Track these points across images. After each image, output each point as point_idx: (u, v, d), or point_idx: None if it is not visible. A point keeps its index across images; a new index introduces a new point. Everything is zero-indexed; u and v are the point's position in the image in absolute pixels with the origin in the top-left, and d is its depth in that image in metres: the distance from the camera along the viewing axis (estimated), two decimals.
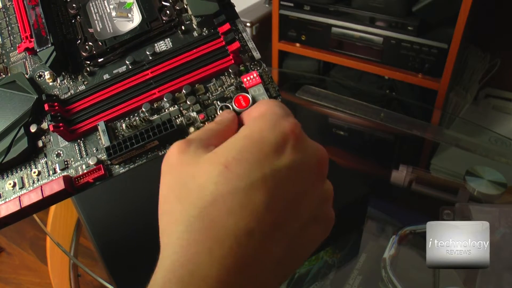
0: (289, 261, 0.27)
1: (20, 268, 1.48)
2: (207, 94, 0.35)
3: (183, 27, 0.38)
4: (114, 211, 0.62)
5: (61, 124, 0.34)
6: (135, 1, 0.39)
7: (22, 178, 0.35)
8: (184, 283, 0.24)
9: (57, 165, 0.35)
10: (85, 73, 0.38)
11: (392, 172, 0.84)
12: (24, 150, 0.35)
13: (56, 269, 0.97)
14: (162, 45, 0.38)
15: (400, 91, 1.31)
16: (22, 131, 0.36)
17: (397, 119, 1.14)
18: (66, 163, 0.35)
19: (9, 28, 0.42)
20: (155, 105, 0.35)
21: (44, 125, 0.36)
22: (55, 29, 0.39)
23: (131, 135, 0.33)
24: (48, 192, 0.33)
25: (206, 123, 0.34)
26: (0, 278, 1.45)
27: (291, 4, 1.34)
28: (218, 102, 0.35)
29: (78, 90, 0.37)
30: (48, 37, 0.37)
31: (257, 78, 0.34)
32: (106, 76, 0.37)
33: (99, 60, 0.38)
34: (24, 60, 0.40)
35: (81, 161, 0.35)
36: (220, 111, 0.34)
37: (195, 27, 0.38)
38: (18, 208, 0.33)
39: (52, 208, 0.89)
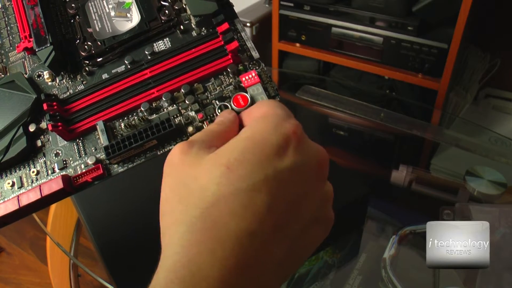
0: (290, 262, 0.27)
1: (20, 268, 1.48)
2: (206, 94, 0.35)
3: (182, 27, 0.38)
4: (114, 211, 0.62)
5: (59, 123, 0.34)
6: (134, 1, 0.39)
7: (20, 177, 0.35)
8: (185, 283, 0.24)
9: (56, 164, 0.35)
10: (84, 73, 0.38)
11: (392, 172, 0.84)
12: (22, 149, 0.35)
13: (56, 269, 0.97)
14: (161, 45, 0.38)
15: (400, 91, 1.31)
16: (21, 130, 0.36)
17: (397, 119, 1.14)
18: (64, 162, 0.35)
19: (8, 28, 0.42)
20: (153, 105, 0.35)
21: (43, 125, 0.36)
22: (54, 29, 0.39)
23: (130, 134, 0.33)
24: (46, 191, 0.33)
25: (204, 122, 0.34)
26: (0, 278, 1.45)
27: (291, 4, 1.34)
28: (217, 101, 0.35)
29: (77, 90, 0.37)
30: (47, 36, 0.37)
31: (255, 77, 0.34)
32: (105, 76, 0.37)
33: (98, 59, 0.38)
34: (23, 60, 0.40)
35: (79, 161, 0.35)
36: (219, 111, 0.34)
37: (194, 26, 0.38)
38: (16, 207, 0.33)
39: (52, 208, 0.89)
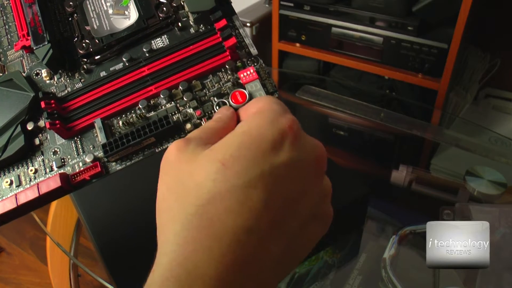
0: (288, 259, 0.27)
1: (20, 268, 1.48)
2: (204, 91, 0.35)
3: (179, 24, 0.38)
4: (114, 210, 0.62)
5: (57, 121, 0.34)
6: None
7: (18, 176, 0.35)
8: (181, 282, 0.23)
9: (54, 162, 0.35)
10: (82, 71, 0.38)
11: (392, 172, 0.84)
12: (20, 148, 0.35)
13: (56, 269, 0.97)
14: (159, 42, 0.38)
15: (400, 91, 1.31)
16: (19, 129, 0.36)
17: (397, 119, 1.14)
18: (62, 160, 0.35)
19: (6, 26, 0.42)
20: (151, 102, 0.35)
21: (41, 123, 0.36)
22: (52, 27, 0.39)
23: (128, 132, 0.33)
24: (44, 189, 0.33)
25: (203, 119, 0.34)
26: (0, 278, 1.45)
27: (291, 4, 1.34)
28: (215, 98, 0.35)
29: (75, 88, 0.37)
30: (45, 35, 0.37)
31: (254, 74, 0.34)
32: (103, 74, 0.37)
33: (96, 57, 0.38)
34: (21, 58, 0.40)
35: (77, 159, 0.35)
36: (217, 107, 0.34)
37: (191, 23, 0.38)
38: (14, 205, 0.33)
39: (52, 208, 0.89)
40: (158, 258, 0.25)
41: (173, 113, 0.35)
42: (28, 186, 0.35)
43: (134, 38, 0.38)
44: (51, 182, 0.33)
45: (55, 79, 0.38)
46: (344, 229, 0.67)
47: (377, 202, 0.76)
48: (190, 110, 0.35)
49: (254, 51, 0.36)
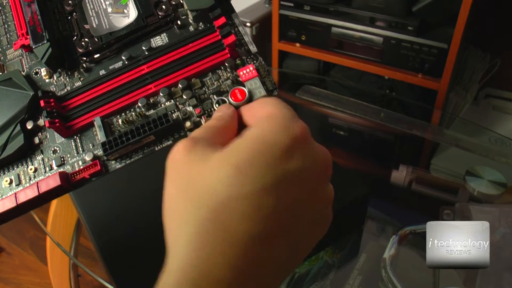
0: (291, 263, 0.27)
1: (20, 268, 1.48)
2: (203, 89, 0.35)
3: (179, 22, 0.38)
4: (114, 210, 0.62)
5: (57, 120, 0.34)
6: None
7: (18, 175, 0.35)
8: (196, 285, 0.24)
9: (53, 161, 0.35)
10: (81, 69, 0.38)
11: (392, 172, 0.84)
12: (20, 147, 0.35)
13: (56, 269, 0.97)
14: (158, 40, 0.38)
15: (400, 91, 1.31)
16: (18, 128, 0.36)
17: (397, 119, 1.14)
18: (62, 159, 0.35)
19: (6, 25, 0.42)
20: (151, 100, 0.35)
21: (41, 122, 0.36)
22: (51, 26, 0.39)
23: (127, 130, 0.33)
24: (44, 188, 0.33)
25: (202, 117, 0.34)
26: (0, 278, 1.45)
27: (291, 4, 1.34)
28: (215, 96, 0.35)
29: (74, 86, 0.37)
30: (44, 33, 0.37)
31: (253, 71, 0.34)
32: (102, 72, 0.37)
33: (95, 56, 0.38)
34: (21, 57, 0.40)
35: (77, 157, 0.35)
36: (217, 105, 0.34)
37: (191, 21, 0.38)
38: (14, 204, 0.33)
39: (52, 208, 0.89)
40: (170, 260, 0.25)
41: (172, 111, 0.35)
42: (27, 185, 0.34)
43: (133, 37, 0.38)
44: (51, 181, 0.33)
45: (55, 78, 0.38)
46: (344, 229, 0.67)
47: (377, 202, 0.76)
48: (190, 108, 0.35)
49: (253, 48, 0.36)
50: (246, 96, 0.33)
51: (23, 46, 0.39)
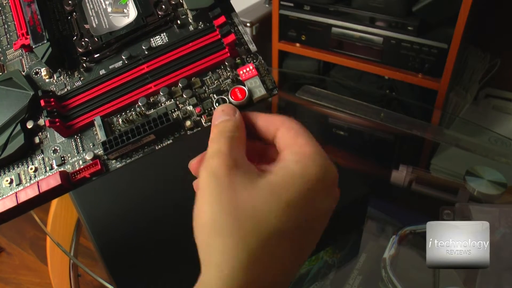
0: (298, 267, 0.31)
1: (20, 268, 1.48)
2: (204, 88, 0.35)
3: (178, 22, 0.38)
4: (114, 211, 0.62)
5: (57, 119, 0.34)
6: None
7: (19, 174, 0.35)
8: None
9: (54, 161, 0.35)
10: (81, 69, 0.38)
11: (392, 172, 0.84)
12: (20, 146, 0.35)
13: (56, 269, 0.97)
14: (158, 40, 0.38)
15: (400, 91, 1.31)
16: (18, 127, 0.36)
17: (397, 119, 1.14)
18: (63, 159, 0.35)
19: (5, 26, 0.42)
20: (151, 100, 0.35)
21: (41, 122, 0.36)
22: (51, 26, 0.39)
23: (128, 129, 0.33)
24: (44, 187, 0.33)
25: (202, 116, 0.34)
26: (0, 278, 1.45)
27: (291, 4, 1.34)
28: (215, 95, 0.35)
29: (75, 86, 0.37)
30: (44, 33, 0.37)
31: (253, 70, 0.34)
32: (102, 72, 0.37)
33: (95, 55, 0.38)
34: (21, 57, 0.40)
35: (77, 157, 0.35)
36: (217, 104, 0.34)
37: (190, 21, 0.38)
38: (14, 204, 0.33)
39: (52, 208, 0.89)
40: (215, 280, 0.27)
41: (172, 110, 0.35)
42: (28, 184, 0.35)
43: (133, 36, 0.38)
44: (51, 180, 0.33)
45: (55, 78, 0.38)
46: (344, 229, 0.67)
47: (377, 202, 0.76)
48: (190, 107, 0.35)
49: (253, 48, 0.36)
50: (246, 95, 0.33)
51: (23, 46, 0.39)
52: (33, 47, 0.37)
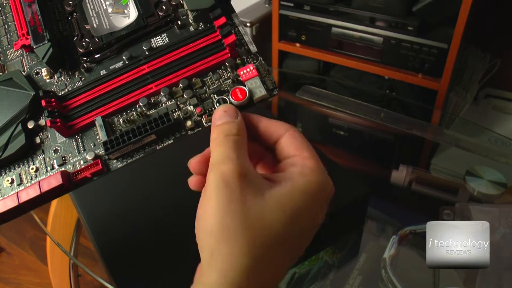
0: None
1: (20, 268, 1.48)
2: (204, 88, 0.35)
3: (179, 22, 0.38)
4: (114, 211, 0.62)
5: (58, 119, 0.34)
6: None
7: (20, 174, 0.35)
8: None
9: (55, 161, 0.35)
10: (82, 70, 0.38)
11: (392, 172, 0.84)
12: (21, 146, 0.35)
13: (56, 269, 0.97)
14: (159, 40, 0.38)
15: (400, 91, 1.31)
16: (19, 127, 0.36)
17: (397, 119, 1.14)
18: (64, 158, 0.35)
19: (6, 26, 0.42)
20: (152, 100, 0.36)
21: (42, 122, 0.36)
22: (51, 26, 0.39)
23: (128, 129, 0.33)
24: (46, 187, 0.33)
25: (203, 116, 0.35)
26: (0, 278, 1.45)
27: (291, 4, 1.34)
28: (215, 95, 0.35)
29: (75, 86, 0.37)
30: (45, 33, 0.37)
31: (253, 71, 0.34)
32: (103, 72, 0.37)
33: (96, 56, 0.38)
34: (21, 57, 0.40)
35: (78, 157, 0.35)
36: (217, 104, 0.34)
37: (191, 21, 0.38)
38: (16, 204, 0.33)
39: (52, 208, 0.89)
40: (219, 283, 0.28)
41: (173, 111, 0.35)
42: (29, 184, 0.35)
43: (133, 37, 0.38)
44: (53, 180, 0.33)
45: (55, 78, 0.38)
46: (344, 229, 0.67)
47: (377, 202, 0.76)
48: (191, 108, 0.35)
49: (253, 48, 0.36)
50: (246, 95, 0.33)
51: (23, 46, 0.39)
52: (34, 47, 0.37)
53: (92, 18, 0.39)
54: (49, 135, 0.36)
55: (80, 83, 0.37)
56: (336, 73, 1.43)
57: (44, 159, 0.35)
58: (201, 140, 0.34)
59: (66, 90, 0.37)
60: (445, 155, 1.00)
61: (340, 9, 1.28)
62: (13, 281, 1.44)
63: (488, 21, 1.37)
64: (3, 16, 0.42)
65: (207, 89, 0.35)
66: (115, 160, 0.34)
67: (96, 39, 0.38)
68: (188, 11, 0.38)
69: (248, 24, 1.45)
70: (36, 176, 0.35)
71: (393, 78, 1.28)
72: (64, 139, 0.36)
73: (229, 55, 0.35)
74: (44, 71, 0.38)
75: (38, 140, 0.36)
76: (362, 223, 0.70)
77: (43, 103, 0.35)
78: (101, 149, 0.34)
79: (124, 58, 0.37)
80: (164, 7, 0.38)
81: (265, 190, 0.30)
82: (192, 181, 0.34)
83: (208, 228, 0.29)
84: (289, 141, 0.33)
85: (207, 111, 0.34)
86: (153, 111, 0.35)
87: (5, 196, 0.34)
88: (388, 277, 0.60)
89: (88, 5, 0.40)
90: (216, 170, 0.30)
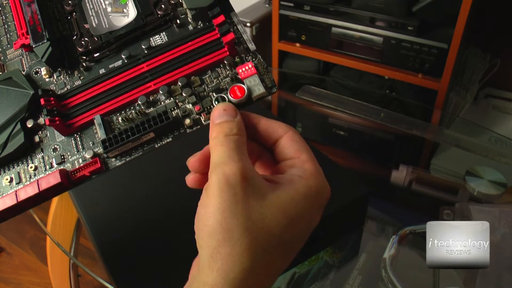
0: None
1: (20, 268, 1.48)
2: (203, 86, 0.35)
3: (178, 21, 0.38)
4: (114, 211, 0.62)
5: (57, 118, 0.34)
6: None
7: (19, 173, 0.35)
8: None
9: (53, 159, 0.35)
10: (81, 68, 0.38)
11: (392, 172, 0.84)
12: (20, 145, 0.35)
13: (56, 269, 0.97)
14: (158, 39, 0.38)
15: (400, 91, 1.31)
16: (18, 126, 0.36)
17: (397, 119, 1.14)
18: (62, 157, 0.35)
19: (6, 25, 0.42)
20: (151, 98, 0.36)
21: (41, 121, 0.36)
22: (50, 25, 0.39)
23: (127, 127, 0.34)
24: (44, 185, 0.33)
25: (202, 114, 0.35)
26: (0, 278, 1.45)
27: (291, 4, 1.34)
28: (214, 93, 0.35)
29: (74, 85, 0.37)
30: (44, 33, 0.37)
31: (252, 69, 0.34)
32: (102, 71, 0.37)
33: (95, 55, 0.38)
34: (21, 57, 0.40)
35: (77, 155, 0.35)
36: (216, 103, 0.34)
37: (190, 20, 0.38)
38: (14, 202, 0.33)
39: (52, 208, 0.89)
40: (219, 283, 0.28)
41: (172, 109, 0.35)
42: (28, 183, 0.35)
43: (132, 36, 0.38)
44: (51, 178, 0.33)
45: (55, 77, 0.38)
46: (344, 229, 0.67)
47: (377, 202, 0.76)
48: (189, 106, 0.35)
49: (252, 46, 0.36)
50: (245, 93, 0.33)
51: (23, 46, 0.39)
52: (33, 46, 0.37)
53: (92, 17, 0.39)
54: (48, 134, 0.36)
55: (79, 82, 0.37)
56: (336, 73, 1.43)
57: (43, 157, 0.35)
58: (200, 138, 0.35)
59: (65, 89, 0.37)
60: (445, 155, 1.00)
61: (340, 9, 1.28)
62: (13, 281, 1.44)
63: (488, 21, 1.37)
64: (3, 16, 0.42)
65: (206, 87, 0.35)
66: (114, 159, 0.34)
67: (95, 38, 0.38)
68: (187, 10, 0.38)
69: (248, 24, 1.45)
70: (35, 175, 0.35)
71: (393, 78, 1.28)
72: (63, 137, 0.36)
73: (227, 53, 0.35)
74: (43, 70, 0.38)
75: (37, 138, 0.36)
76: (362, 223, 0.70)
77: (42, 101, 0.35)
78: (100, 147, 0.34)
79: (123, 57, 0.37)
80: (163, 6, 0.38)
81: (267, 193, 0.30)
82: (190, 179, 0.34)
83: (209, 228, 0.29)
84: (288, 143, 0.34)
85: (205, 109, 0.35)
86: (152, 109, 0.35)
87: (4, 195, 0.34)
88: (388, 277, 0.60)
89: (88, 4, 0.40)
90: (218, 171, 0.30)
